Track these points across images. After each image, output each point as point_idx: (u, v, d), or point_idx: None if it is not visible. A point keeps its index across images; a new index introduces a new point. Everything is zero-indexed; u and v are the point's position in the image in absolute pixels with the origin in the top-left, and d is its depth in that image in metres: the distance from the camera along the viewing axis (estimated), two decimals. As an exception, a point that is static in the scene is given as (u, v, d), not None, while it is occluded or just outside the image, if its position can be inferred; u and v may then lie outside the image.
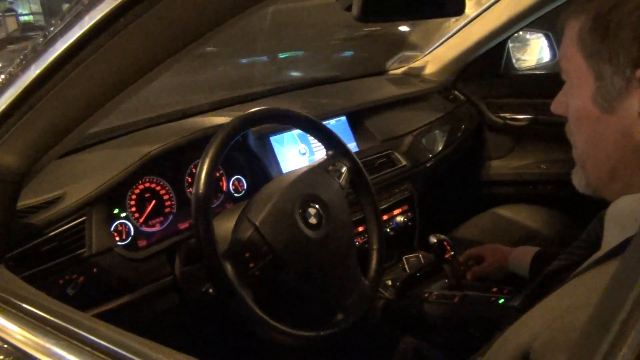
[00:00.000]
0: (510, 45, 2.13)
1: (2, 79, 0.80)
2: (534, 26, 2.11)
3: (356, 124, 1.74)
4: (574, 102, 0.69)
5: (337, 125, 1.70)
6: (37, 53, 0.77)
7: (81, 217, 1.14)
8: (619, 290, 0.35)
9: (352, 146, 1.69)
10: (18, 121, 0.81)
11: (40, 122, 0.82)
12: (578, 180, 0.74)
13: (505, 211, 1.95)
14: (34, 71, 0.77)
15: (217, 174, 1.39)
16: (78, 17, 0.71)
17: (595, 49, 0.62)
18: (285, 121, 1.23)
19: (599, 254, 0.68)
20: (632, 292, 0.33)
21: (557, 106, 0.75)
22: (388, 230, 1.64)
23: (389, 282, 1.53)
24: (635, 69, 0.58)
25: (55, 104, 0.79)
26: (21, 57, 0.80)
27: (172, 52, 0.73)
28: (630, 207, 0.65)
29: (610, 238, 0.68)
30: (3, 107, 0.80)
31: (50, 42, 0.74)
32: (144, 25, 0.69)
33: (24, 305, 0.81)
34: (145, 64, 0.75)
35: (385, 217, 1.64)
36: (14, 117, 0.80)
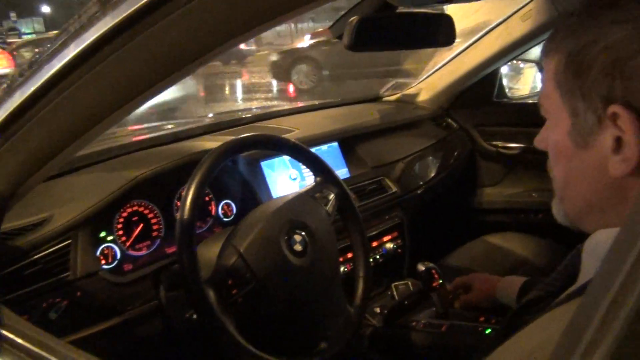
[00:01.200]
0: (504, 73, 2.15)
1: None
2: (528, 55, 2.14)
3: (348, 149, 1.74)
4: (553, 137, 0.70)
5: (329, 150, 1.70)
6: (24, 78, 0.77)
7: (67, 241, 1.14)
8: (575, 333, 0.35)
9: (344, 172, 1.70)
10: (2, 145, 0.81)
11: (25, 147, 0.82)
12: (557, 212, 0.76)
13: (496, 239, 1.95)
14: (20, 96, 0.77)
15: (207, 199, 1.39)
16: (64, 45, 0.72)
17: (569, 87, 0.64)
18: (273, 148, 1.24)
19: (574, 287, 0.69)
20: (586, 334, 0.33)
21: (539, 141, 0.77)
22: (377, 257, 1.63)
23: (377, 310, 1.52)
24: (606, 106, 0.59)
25: (40, 128, 0.80)
26: (7, 81, 0.81)
27: (157, 80, 0.74)
28: (605, 241, 0.65)
29: (586, 271, 0.69)
30: (-14, 132, 0.80)
31: (36, 68, 0.75)
32: (129, 53, 0.69)
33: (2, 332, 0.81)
34: (130, 91, 0.75)
35: (374, 244, 1.64)
36: None
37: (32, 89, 0.76)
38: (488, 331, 1.27)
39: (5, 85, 0.82)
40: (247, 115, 1.92)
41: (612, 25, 0.59)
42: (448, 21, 1.41)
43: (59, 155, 0.84)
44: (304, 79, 9.54)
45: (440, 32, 1.41)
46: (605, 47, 0.59)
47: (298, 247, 1.11)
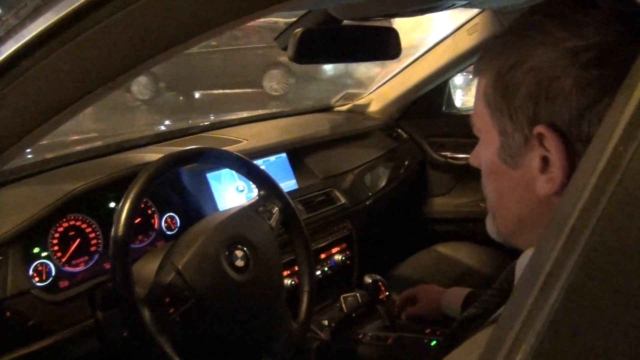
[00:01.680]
0: (457, 85, 2.19)
1: None
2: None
3: (297, 160, 1.73)
4: (484, 156, 0.71)
5: (277, 162, 1.69)
6: None
7: None
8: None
9: (292, 183, 1.69)
10: None
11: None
12: (490, 229, 0.76)
13: (445, 249, 1.98)
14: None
15: (149, 212, 1.35)
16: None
17: (498, 107, 0.64)
18: (214, 161, 1.22)
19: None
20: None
21: (473, 159, 0.77)
22: (326, 269, 1.62)
23: (325, 322, 1.51)
24: (532, 126, 0.60)
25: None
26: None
27: (105, 80, 0.70)
28: None
29: None
30: None
31: None
32: (73, 50, 0.66)
33: None
34: (74, 92, 0.71)
35: (323, 256, 1.63)
36: None
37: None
38: (433, 343, 1.28)
39: None
40: (195, 125, 1.88)
41: (537, 46, 0.60)
42: (394, 35, 1.42)
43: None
44: (275, 85, 9.19)
45: (386, 46, 1.42)
46: (531, 68, 0.59)
47: (239, 263, 1.08)
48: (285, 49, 1.37)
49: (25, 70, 0.65)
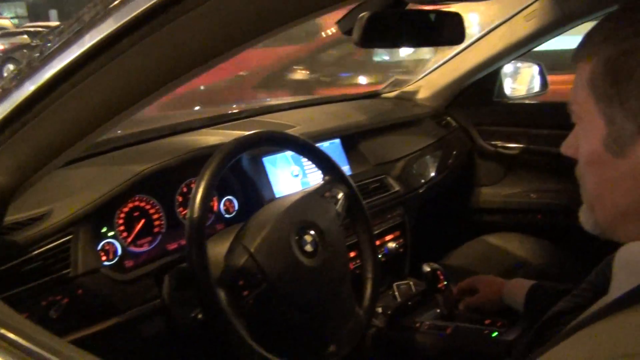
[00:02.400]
0: (506, 73, 2.14)
1: None
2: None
3: (350, 146, 1.72)
4: (585, 145, 0.69)
5: (331, 147, 1.67)
6: (32, 69, 0.73)
7: (67, 236, 1.10)
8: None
9: (346, 169, 1.67)
10: (9, 139, 0.77)
11: (32, 141, 0.79)
12: (585, 220, 0.74)
13: (494, 239, 1.94)
14: (28, 88, 0.73)
15: (210, 195, 1.36)
16: (78, 35, 0.68)
17: (606, 94, 0.62)
18: (283, 145, 1.21)
19: (607, 299, 0.67)
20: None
21: (567, 148, 0.75)
22: (380, 256, 1.61)
23: (379, 310, 1.49)
24: None
25: (48, 122, 0.76)
26: (15, 72, 0.77)
27: (174, 76, 0.70)
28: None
29: (619, 284, 0.67)
30: (-8, 124, 0.76)
31: (47, 59, 0.72)
32: (147, 48, 0.66)
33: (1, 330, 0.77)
34: (144, 87, 0.72)
35: (377, 243, 1.61)
36: (5, 134, 0.77)
37: (42, 80, 0.72)
38: (494, 334, 1.26)
39: (12, 75, 0.78)
40: (246, 109, 1.88)
41: None
42: (457, 19, 1.39)
43: (68, 150, 0.80)
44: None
45: (449, 31, 1.39)
46: None
47: (309, 248, 1.08)
48: (346, 32, 1.35)
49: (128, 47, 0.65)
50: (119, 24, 0.64)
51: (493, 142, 2.10)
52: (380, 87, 2.28)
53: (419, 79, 2.18)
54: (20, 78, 0.74)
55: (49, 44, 0.72)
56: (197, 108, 3.47)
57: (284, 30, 0.65)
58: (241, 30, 0.66)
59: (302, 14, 0.63)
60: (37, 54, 0.74)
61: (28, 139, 0.77)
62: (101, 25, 0.65)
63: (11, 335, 0.74)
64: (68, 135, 0.78)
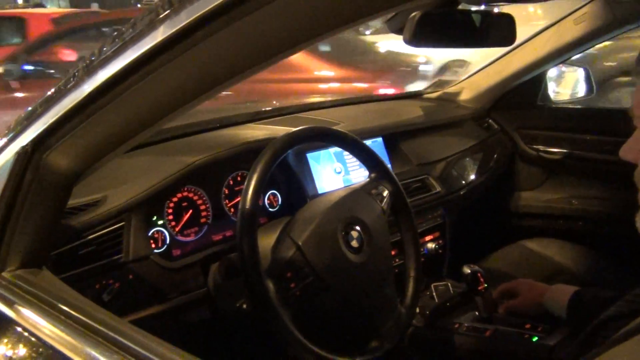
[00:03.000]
0: (551, 77, 2.12)
1: (65, 82, 0.80)
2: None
3: (392, 146, 1.72)
4: None
5: (374, 145, 1.68)
6: (105, 59, 0.76)
7: (120, 223, 1.13)
8: None
9: (387, 168, 1.68)
10: (78, 125, 0.80)
11: (100, 129, 0.82)
12: None
13: (533, 244, 1.92)
14: (101, 77, 0.76)
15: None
16: (152, 26, 0.70)
17: None
18: (332, 141, 1.22)
19: None
20: None
21: (626, 152, 0.74)
22: (419, 255, 1.61)
23: (417, 310, 1.50)
24: None
25: (117, 111, 0.79)
26: (87, 61, 0.79)
27: (243, 69, 0.72)
28: None
29: None
30: (65, 109, 0.79)
31: (120, 49, 0.74)
32: (220, 40, 0.68)
33: (66, 309, 0.80)
34: (213, 79, 0.74)
35: (417, 242, 1.62)
36: (75, 120, 0.80)
37: (115, 70, 0.74)
38: (535, 339, 1.25)
39: (84, 64, 0.80)
40: (290, 106, 1.90)
41: None
42: (509, 20, 1.38)
43: (132, 139, 0.83)
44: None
45: (499, 32, 1.38)
46: None
47: (355, 244, 1.09)
48: (396, 31, 1.36)
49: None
50: (191, 18, 0.66)
51: (535, 146, 2.07)
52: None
53: (462, 80, 2.17)
54: (92, 67, 0.77)
55: (123, 35, 0.75)
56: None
57: (351, 27, 0.66)
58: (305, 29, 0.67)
59: (370, 12, 0.64)
60: (109, 46, 0.77)
61: (96, 126, 0.80)
62: (174, 18, 0.67)
63: (76, 314, 0.77)
64: (133, 124, 0.81)
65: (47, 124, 0.82)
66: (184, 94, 0.75)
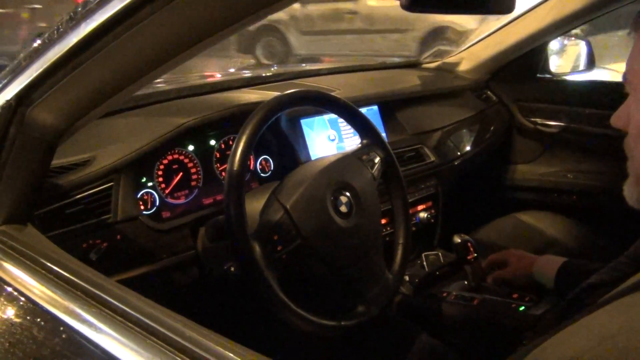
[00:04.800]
0: (553, 49, 2.09)
1: (49, 35, 0.78)
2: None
3: (387, 114, 1.71)
4: (637, 116, 0.67)
5: (369, 113, 1.67)
6: (88, 11, 0.74)
7: (109, 183, 1.13)
8: None
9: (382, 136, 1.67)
10: (61, 80, 0.79)
11: (84, 83, 0.80)
12: (630, 194, 0.72)
13: (526, 217, 1.92)
14: (83, 30, 0.74)
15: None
16: None
17: None
18: (323, 105, 1.21)
19: None
20: None
21: (617, 119, 0.73)
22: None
23: (407, 278, 1.51)
24: None
25: (101, 66, 0.77)
26: (71, 14, 0.78)
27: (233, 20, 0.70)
28: None
29: None
30: (47, 64, 0.78)
31: (103, 1, 0.72)
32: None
33: (50, 265, 0.80)
34: (203, 30, 0.72)
35: (409, 212, 1.62)
36: (58, 75, 0.79)
37: (98, 22, 0.72)
38: (521, 308, 1.25)
39: (69, 17, 0.79)
40: (286, 72, 1.88)
41: None
42: (509, -12, 1.36)
43: (117, 95, 0.82)
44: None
45: (499, -1, 1.36)
46: None
47: (343, 209, 1.09)
48: (393, -4, 1.33)
49: None
50: None
51: (533, 119, 2.06)
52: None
53: (462, 51, 2.14)
54: (75, 21, 0.75)
55: None
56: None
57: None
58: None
59: None
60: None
61: (80, 81, 0.79)
62: None
63: (61, 272, 0.77)
64: (117, 79, 0.80)
65: (31, 78, 0.80)
66: (170, 47, 0.74)
